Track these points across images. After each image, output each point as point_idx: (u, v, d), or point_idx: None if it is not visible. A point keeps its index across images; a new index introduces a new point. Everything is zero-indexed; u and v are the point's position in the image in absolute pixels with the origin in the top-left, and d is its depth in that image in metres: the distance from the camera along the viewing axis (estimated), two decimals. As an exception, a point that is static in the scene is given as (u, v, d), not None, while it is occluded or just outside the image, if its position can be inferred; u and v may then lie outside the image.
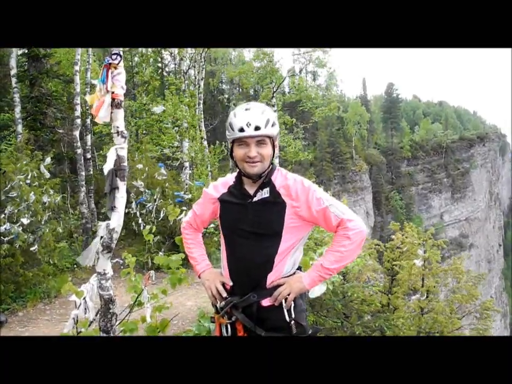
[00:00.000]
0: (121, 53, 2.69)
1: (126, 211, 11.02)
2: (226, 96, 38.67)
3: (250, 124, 2.10)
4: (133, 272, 3.34)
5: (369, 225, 55.17)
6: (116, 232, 2.73)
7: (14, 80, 12.77)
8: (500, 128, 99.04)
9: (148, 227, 3.62)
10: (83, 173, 11.81)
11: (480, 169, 73.35)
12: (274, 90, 17.19)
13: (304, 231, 2.28)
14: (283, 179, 2.26)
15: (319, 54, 19.62)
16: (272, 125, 2.17)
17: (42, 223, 7.83)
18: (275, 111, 16.51)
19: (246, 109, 2.16)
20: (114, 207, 2.74)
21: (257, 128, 2.10)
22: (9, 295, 7.16)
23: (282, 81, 17.65)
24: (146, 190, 10.67)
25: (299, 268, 2.35)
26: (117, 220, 2.73)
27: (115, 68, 2.69)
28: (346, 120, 59.58)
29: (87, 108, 13.28)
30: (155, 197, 10.56)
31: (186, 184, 11.13)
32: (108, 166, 2.73)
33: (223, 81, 47.51)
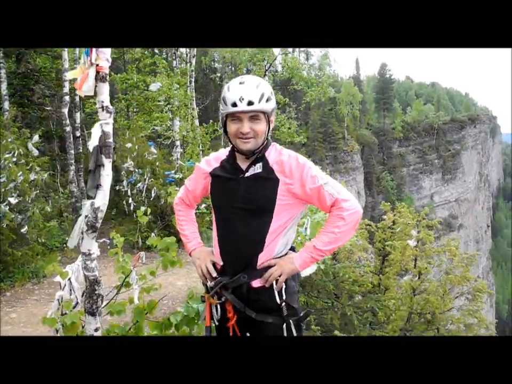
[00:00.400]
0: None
1: (117, 189, 11.17)
2: (219, 74, 38.19)
3: (243, 99, 2.01)
4: (121, 252, 3.25)
5: (361, 205, 55.07)
6: (101, 211, 2.63)
7: (-1, 55, 12.42)
8: (491, 110, 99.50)
9: (142, 208, 3.53)
10: (72, 151, 11.61)
11: (470, 150, 73.74)
12: (266, 68, 16.90)
13: (297, 209, 2.21)
14: (277, 154, 2.19)
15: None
16: (267, 100, 2.08)
17: (29, 202, 7.67)
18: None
19: (240, 83, 2.08)
20: (100, 185, 2.63)
21: (250, 103, 2.02)
22: (-4, 274, 7.07)
23: (274, 59, 17.35)
24: (136, 170, 10.53)
25: (292, 248, 2.30)
26: (102, 198, 2.63)
27: (100, 40, 2.56)
28: (338, 100, 59.26)
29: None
30: (145, 177, 10.43)
31: (177, 164, 10.97)
32: (93, 143, 2.62)
33: (215, 59, 46.88)
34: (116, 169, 12.24)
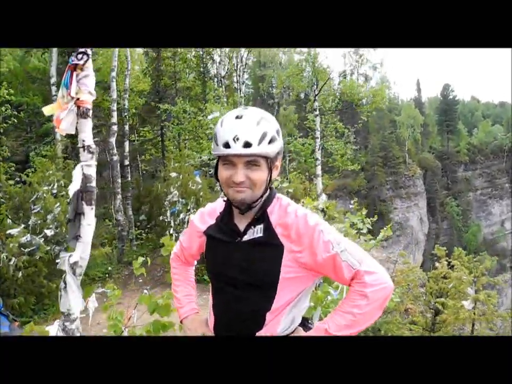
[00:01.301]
0: (89, 52, 2.20)
1: (160, 219, 11.03)
2: (277, 100, 38.25)
3: (238, 138, 1.57)
4: (115, 307, 2.85)
5: (424, 232, 53.21)
6: (79, 266, 2.25)
7: (53, 88, 12.84)
8: None
9: (140, 258, 3.12)
10: (119, 180, 11.70)
11: (545, 173, 68.93)
12: (316, 93, 16.23)
13: (307, 282, 1.74)
14: (282, 213, 1.72)
15: (370, 55, 18.76)
16: (270, 141, 1.61)
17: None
18: (316, 116, 15.74)
19: (237, 117, 1.62)
20: (79, 236, 2.25)
21: (247, 145, 1.57)
22: (30, 307, 6.95)
23: (325, 83, 16.70)
24: (180, 199, 10.32)
25: (304, 321, 1.82)
26: (81, 251, 2.26)
27: (81, 70, 2.22)
28: (399, 123, 57.96)
29: (125, 114, 13.20)
30: (188, 207, 10.17)
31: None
32: (73, 187, 2.26)
33: (273, 85, 47.23)
34: (160, 200, 12.23)
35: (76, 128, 2.27)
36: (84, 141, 2.26)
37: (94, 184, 2.26)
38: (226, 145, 1.58)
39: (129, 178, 13.17)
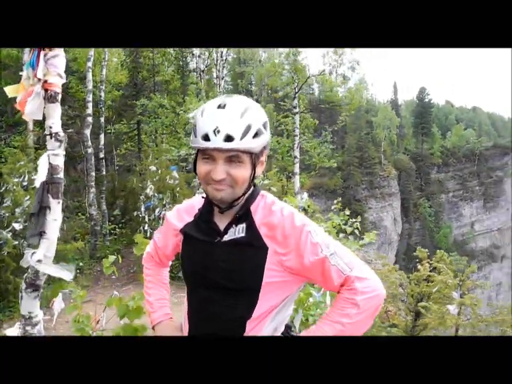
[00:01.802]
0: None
1: (134, 214, 10.73)
2: (255, 97, 38.15)
3: (219, 131, 1.40)
4: (81, 309, 2.64)
5: (397, 232, 54.03)
6: (44, 265, 2.04)
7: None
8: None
9: (110, 257, 2.90)
10: (93, 173, 11.36)
11: (514, 177, 70.86)
12: (296, 91, 16.09)
13: (291, 288, 1.59)
14: (266, 212, 1.56)
15: (349, 56, 18.80)
16: (255, 135, 1.45)
17: (37, 227, 7.23)
18: (296, 113, 15.63)
19: (219, 106, 1.45)
20: (43, 232, 2.04)
21: (228, 139, 1.40)
22: (-5, 305, 6.64)
23: (305, 81, 16.61)
24: (156, 194, 10.04)
25: (287, 328, 1.67)
26: (45, 249, 2.05)
27: (50, 49, 2.00)
28: (375, 124, 58.56)
29: (101, 106, 12.82)
30: (164, 202, 9.91)
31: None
32: (39, 178, 2.04)
33: (252, 82, 46.97)
34: (135, 194, 11.95)
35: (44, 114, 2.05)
36: (51, 127, 2.06)
37: (61, 175, 2.06)
38: (206, 138, 1.42)
39: (104, 172, 12.79)
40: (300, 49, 18.02)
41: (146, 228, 9.76)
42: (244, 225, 1.55)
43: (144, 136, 17.35)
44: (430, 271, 5.81)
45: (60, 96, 2.10)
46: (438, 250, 6.63)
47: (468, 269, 6.10)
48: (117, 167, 19.45)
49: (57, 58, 2.00)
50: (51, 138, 2.06)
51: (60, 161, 2.05)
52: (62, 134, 2.08)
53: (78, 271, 9.88)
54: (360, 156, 54.30)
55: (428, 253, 6.55)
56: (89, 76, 11.16)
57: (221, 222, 1.59)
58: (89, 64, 11.18)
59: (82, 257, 10.69)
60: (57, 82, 2.05)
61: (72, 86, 14.18)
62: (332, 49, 19.51)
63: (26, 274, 2.06)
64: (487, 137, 78.06)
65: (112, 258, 2.82)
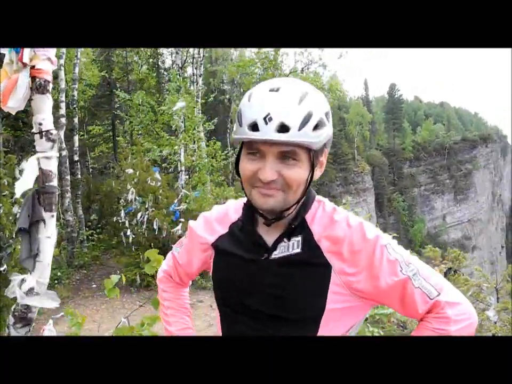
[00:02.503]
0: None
1: (114, 220, 10.21)
2: (228, 96, 37.74)
3: (271, 118, 1.07)
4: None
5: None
6: (35, 293, 1.63)
7: None
8: (501, 129, 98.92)
9: (113, 277, 2.39)
10: (68, 177, 10.75)
11: (482, 170, 73.14)
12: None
13: (358, 315, 1.27)
14: (327, 222, 1.23)
15: (320, 53, 18.72)
16: (316, 127, 1.11)
17: (11, 237, 6.66)
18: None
19: (271, 89, 1.12)
20: (36, 254, 1.62)
21: (283, 128, 1.07)
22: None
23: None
24: (137, 197, 9.53)
25: None
26: (39, 275, 1.65)
27: (37, 28, 1.60)
28: (347, 121, 59.24)
29: (74, 106, 12.20)
30: (146, 206, 9.41)
31: (182, 193, 9.91)
32: (22, 186, 1.63)
33: (224, 81, 46.63)
34: (115, 199, 11.42)
35: (27, 108, 1.64)
36: (41, 124, 1.66)
37: (55, 182, 1.67)
38: (254, 127, 1.09)
39: (79, 175, 12.18)
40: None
41: (128, 233, 9.23)
42: (299, 238, 1.22)
43: (119, 137, 16.74)
44: (446, 272, 5.45)
45: (50, 86, 1.70)
46: (450, 249, 6.28)
47: (505, 272, 5.71)
48: (91, 170, 18.77)
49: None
50: (41, 137, 1.65)
51: (53, 166, 1.66)
52: (54, 132, 1.68)
53: (56, 281, 9.31)
54: (333, 152, 54.86)
55: (442, 252, 6.19)
56: (62, 74, 10.55)
57: (268, 234, 1.25)
58: (61, 61, 10.55)
59: (59, 266, 10.08)
60: (47, 68, 1.65)
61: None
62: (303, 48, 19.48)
63: (14, 306, 1.65)
64: (455, 131, 79.97)
65: (115, 278, 2.32)
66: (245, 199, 1.32)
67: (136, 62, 18.88)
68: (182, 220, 9.01)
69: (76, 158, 12.08)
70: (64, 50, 10.56)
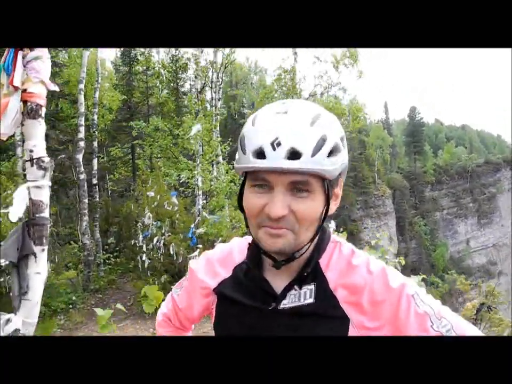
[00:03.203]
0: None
1: (132, 243, 10.14)
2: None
3: (279, 143, 0.92)
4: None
5: (393, 251, 53.88)
6: (21, 335, 1.48)
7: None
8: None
9: (106, 312, 2.24)
10: (86, 200, 10.78)
11: (507, 193, 71.57)
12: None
13: None
14: (344, 267, 1.06)
15: (338, 75, 18.73)
16: (331, 153, 0.95)
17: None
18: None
19: (278, 112, 0.97)
20: (25, 292, 1.48)
21: (294, 155, 0.92)
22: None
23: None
24: (153, 222, 9.44)
25: None
26: (25, 314, 1.50)
27: (30, 49, 1.49)
28: (368, 144, 59.00)
29: (94, 129, 12.33)
30: (163, 230, 9.30)
31: (198, 218, 9.79)
32: (13, 216, 1.50)
33: (245, 105, 47.11)
34: (133, 222, 11.39)
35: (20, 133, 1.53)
36: (31, 151, 1.56)
37: (46, 214, 1.54)
38: (260, 155, 0.93)
39: (97, 198, 12.22)
40: (296, 70, 17.97)
41: (144, 258, 9.13)
42: (312, 287, 1.05)
43: (138, 160, 16.87)
44: (479, 309, 5.05)
45: (43, 110, 1.59)
46: (481, 283, 5.84)
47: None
48: (110, 193, 18.90)
49: (39, 61, 1.51)
50: (32, 165, 1.54)
51: (44, 196, 1.54)
52: (46, 159, 1.56)
53: (70, 305, 9.22)
54: (354, 175, 54.57)
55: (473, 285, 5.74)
56: (81, 98, 10.67)
57: (276, 280, 1.09)
58: (81, 86, 10.71)
59: (75, 290, 10.02)
60: (39, 91, 1.55)
61: (63, 110, 13.74)
62: (324, 71, 19.56)
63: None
64: (477, 154, 78.98)
65: (107, 313, 2.16)
66: (250, 238, 1.15)
67: (157, 87, 19.16)
68: (200, 246, 8.86)
69: (95, 181, 12.14)
70: (84, 75, 10.72)
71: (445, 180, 67.02)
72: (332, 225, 3.76)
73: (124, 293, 11.16)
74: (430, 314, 0.99)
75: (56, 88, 1.69)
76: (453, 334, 0.97)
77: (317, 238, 1.03)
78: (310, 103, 1.04)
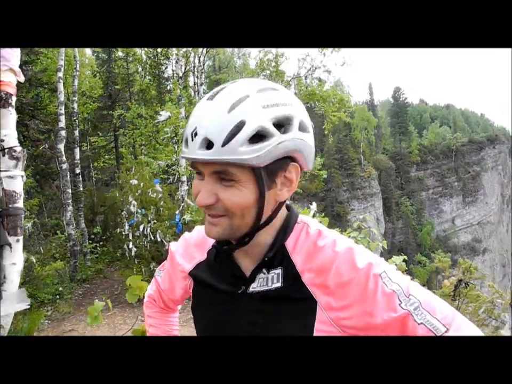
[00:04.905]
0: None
1: (118, 231, 10.10)
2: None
3: (196, 133, 0.90)
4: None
5: (380, 232, 54.35)
6: (1, 327, 1.48)
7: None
8: (509, 130, 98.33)
9: (98, 304, 2.21)
10: (69, 190, 10.65)
11: (491, 171, 72.51)
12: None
13: None
14: (311, 249, 1.03)
15: (323, 59, 18.53)
16: (255, 138, 0.89)
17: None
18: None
19: (209, 97, 0.93)
20: (1, 282, 1.48)
21: (208, 145, 0.89)
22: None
23: (287, 84, 16.29)
24: (138, 210, 9.40)
25: None
26: (3, 308, 1.48)
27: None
28: (353, 126, 58.95)
29: (75, 118, 12.14)
30: (149, 218, 9.27)
31: (183, 204, 9.75)
32: None
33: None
34: (115, 209, 11.33)
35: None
36: (2, 141, 1.52)
37: (20, 204, 1.52)
38: (186, 144, 0.94)
39: (81, 188, 12.10)
40: (281, 53, 17.80)
41: (131, 246, 9.10)
42: (279, 271, 1.04)
43: (122, 148, 16.70)
44: (456, 285, 5.11)
45: (14, 99, 1.56)
46: (461, 259, 5.94)
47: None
48: (95, 182, 18.72)
49: (9, 48, 1.47)
50: (4, 155, 1.51)
51: (17, 186, 1.52)
52: (18, 149, 1.53)
53: (57, 296, 9.18)
54: (340, 157, 54.68)
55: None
56: (61, 87, 10.47)
57: (245, 263, 1.08)
58: (60, 74, 10.49)
59: (62, 281, 9.96)
60: (9, 80, 1.51)
61: (43, 99, 13.49)
62: (307, 53, 19.38)
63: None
64: (462, 133, 79.50)
65: (99, 305, 2.13)
66: None
67: (138, 73, 18.87)
68: (186, 232, 8.84)
69: (78, 170, 11.99)
70: (62, 63, 10.52)
71: (430, 159, 67.47)
72: (313, 207, 3.76)
73: (111, 281, 11.13)
74: (398, 293, 0.96)
75: (22, 79, 1.65)
76: (422, 312, 0.95)
77: (270, 220, 1.01)
78: (252, 82, 0.98)
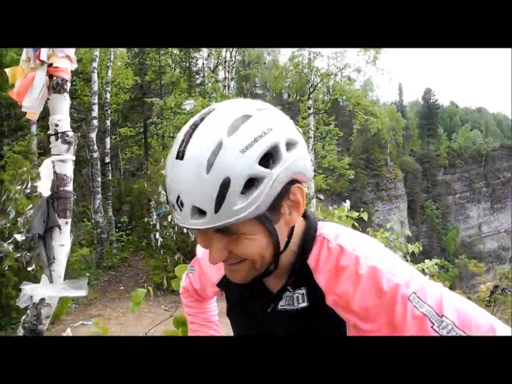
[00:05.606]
0: None
1: (145, 221, 10.23)
2: (260, 100, 37.84)
3: (182, 203, 0.82)
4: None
5: (404, 234, 53.57)
6: (46, 305, 1.53)
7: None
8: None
9: (141, 291, 2.23)
10: (99, 179, 10.87)
11: (522, 178, 70.45)
12: (311, 91, 15.67)
13: None
14: (333, 267, 0.97)
15: (354, 59, 18.44)
16: (245, 190, 0.81)
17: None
18: (310, 115, 15.13)
19: (177, 155, 0.82)
20: (51, 262, 1.53)
21: (198, 213, 0.82)
22: (-4, 320, 6.14)
23: (320, 81, 16.20)
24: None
25: None
26: (50, 285, 1.53)
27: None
28: (378, 125, 58.13)
29: (107, 108, 12.36)
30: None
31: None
32: (42, 188, 1.53)
33: (257, 85, 46.66)
34: (146, 201, 11.47)
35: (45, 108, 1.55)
36: (57, 125, 1.58)
37: (70, 187, 1.58)
38: (174, 209, 0.86)
39: (110, 177, 12.33)
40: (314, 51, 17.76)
41: (157, 236, 9.22)
42: (303, 291, 1.01)
43: (151, 140, 16.91)
44: (492, 291, 4.96)
45: (68, 85, 1.61)
46: (496, 266, 5.76)
47: None
48: (123, 172, 19.01)
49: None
50: (57, 139, 1.57)
51: (68, 170, 1.57)
52: (71, 133, 1.59)
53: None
54: (366, 158, 54.05)
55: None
56: (95, 77, 10.69)
57: (272, 280, 1.05)
58: (95, 65, 10.71)
59: (89, 267, 10.20)
60: (65, 66, 1.56)
61: (77, 88, 13.77)
62: (338, 52, 19.27)
63: (24, 317, 1.56)
64: (493, 138, 77.61)
65: (142, 292, 2.14)
66: None
67: (169, 66, 19.03)
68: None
69: (107, 159, 12.22)
70: (97, 53, 10.71)
71: (459, 163, 66.10)
72: (347, 204, 3.76)
73: (136, 270, 11.32)
74: (430, 315, 0.89)
75: (75, 66, 1.70)
76: (456, 333, 0.89)
77: (295, 236, 0.99)
78: (219, 121, 0.85)
